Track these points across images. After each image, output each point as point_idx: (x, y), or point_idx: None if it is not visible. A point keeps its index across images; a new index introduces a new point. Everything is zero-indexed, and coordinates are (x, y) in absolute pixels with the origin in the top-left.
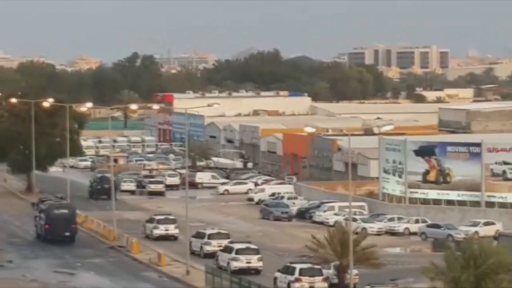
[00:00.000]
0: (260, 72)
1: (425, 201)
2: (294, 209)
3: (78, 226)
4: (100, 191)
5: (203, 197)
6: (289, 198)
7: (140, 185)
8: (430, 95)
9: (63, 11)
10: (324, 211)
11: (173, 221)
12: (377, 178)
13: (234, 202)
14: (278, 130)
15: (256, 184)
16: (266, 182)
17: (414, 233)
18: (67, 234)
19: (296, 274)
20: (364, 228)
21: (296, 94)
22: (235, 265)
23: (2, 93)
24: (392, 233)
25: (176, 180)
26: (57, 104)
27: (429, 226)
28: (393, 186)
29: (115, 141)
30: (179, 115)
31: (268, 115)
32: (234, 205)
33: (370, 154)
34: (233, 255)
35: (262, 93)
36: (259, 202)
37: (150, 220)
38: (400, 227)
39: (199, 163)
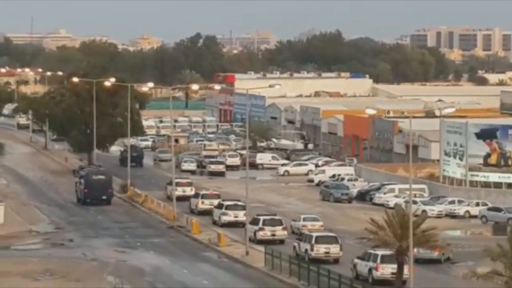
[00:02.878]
0: (322, 53)
1: (486, 184)
2: (354, 191)
3: (113, 191)
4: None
5: (263, 178)
6: (349, 180)
7: (200, 165)
8: (492, 77)
9: None
10: (385, 193)
11: (242, 208)
12: (438, 160)
13: (294, 183)
14: (339, 112)
15: (316, 166)
16: (326, 163)
17: (475, 216)
18: (104, 197)
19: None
20: (424, 211)
21: (358, 75)
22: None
23: (64, 73)
24: (452, 216)
25: (236, 161)
26: (118, 84)
27: (490, 209)
28: (454, 169)
29: (176, 121)
30: (240, 95)
31: (329, 97)
32: (294, 186)
33: (431, 137)
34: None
35: (324, 75)
36: (319, 183)
37: (219, 206)
38: (461, 210)
39: (259, 144)
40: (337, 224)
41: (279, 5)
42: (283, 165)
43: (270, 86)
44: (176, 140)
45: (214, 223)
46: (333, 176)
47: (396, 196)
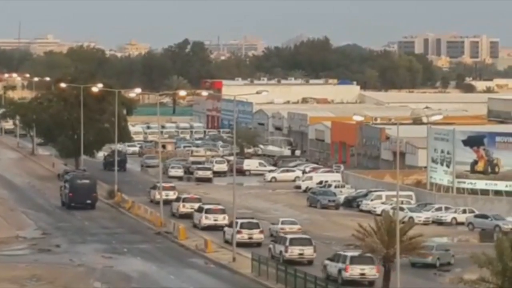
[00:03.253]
0: (310, 60)
1: (473, 191)
2: (341, 198)
3: (97, 195)
4: (113, 163)
5: (251, 184)
6: (336, 187)
7: (188, 171)
8: (480, 85)
9: None
10: (372, 200)
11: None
12: (425, 167)
13: (281, 190)
14: (327, 118)
15: (303, 172)
16: (313, 170)
17: (462, 223)
18: (89, 201)
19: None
20: (411, 218)
21: (345, 82)
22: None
23: (52, 78)
24: (439, 223)
25: (223, 167)
26: (106, 89)
27: (477, 216)
28: (441, 176)
29: (163, 127)
30: (227, 101)
31: (317, 103)
32: (282, 193)
33: (419, 144)
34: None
35: (311, 81)
36: (307, 190)
37: (199, 210)
38: (448, 217)
39: (247, 150)
40: (324, 231)
41: (267, 11)
42: (270, 171)
43: (258, 92)
44: (164, 146)
45: (195, 226)
46: (320, 182)
47: (383, 203)
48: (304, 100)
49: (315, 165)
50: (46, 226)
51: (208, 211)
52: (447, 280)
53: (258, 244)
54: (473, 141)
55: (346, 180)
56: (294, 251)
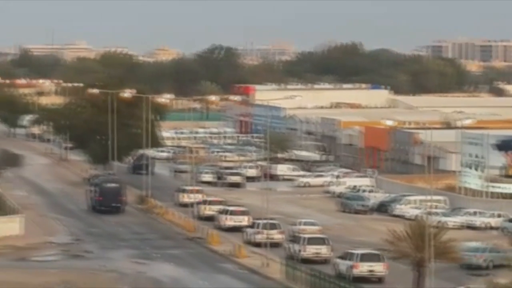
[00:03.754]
0: (341, 65)
1: (505, 196)
2: (373, 202)
3: (126, 199)
4: (139, 167)
5: (282, 189)
6: (368, 191)
7: (219, 176)
8: (511, 89)
9: (144, 3)
10: (404, 205)
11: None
12: (457, 172)
13: (313, 195)
14: (358, 123)
15: (336, 177)
16: (345, 175)
17: (494, 228)
18: (117, 205)
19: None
20: (443, 222)
21: (376, 86)
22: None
23: (83, 84)
24: (472, 227)
25: (255, 172)
26: (137, 95)
27: (509, 220)
28: (473, 180)
29: (195, 132)
30: (259, 107)
31: (349, 108)
32: (313, 198)
33: (450, 148)
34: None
35: (343, 86)
36: (339, 195)
37: (223, 211)
38: (480, 221)
39: (278, 155)
40: (356, 236)
41: (298, 16)
42: (302, 176)
43: (289, 97)
44: (195, 152)
45: (219, 228)
46: (353, 187)
47: (415, 208)
48: (336, 105)
49: (347, 170)
50: (77, 232)
51: (231, 213)
52: (480, 284)
53: (277, 244)
54: (505, 145)
55: (378, 185)
56: (310, 250)
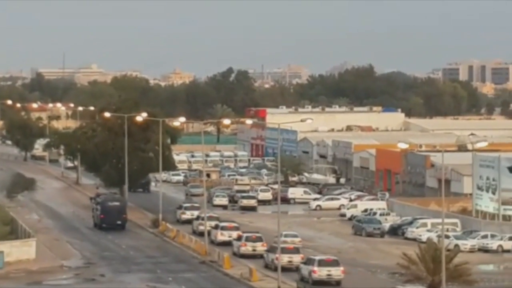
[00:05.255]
0: (354, 88)
1: None
2: (386, 225)
3: (128, 217)
4: (137, 185)
5: (295, 212)
6: (381, 214)
7: (232, 199)
8: None
9: (157, 27)
10: (417, 228)
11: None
12: (470, 194)
13: (326, 218)
14: (371, 146)
15: (349, 200)
16: (358, 197)
17: (508, 251)
18: (119, 222)
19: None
20: (456, 245)
21: (390, 109)
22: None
23: (96, 107)
24: (485, 250)
25: (268, 195)
26: (150, 118)
27: None
28: (487, 203)
29: (207, 155)
30: (272, 130)
31: (361, 131)
32: (327, 221)
33: (464, 171)
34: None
35: (356, 109)
36: (352, 218)
37: (215, 227)
38: (494, 244)
39: (291, 178)
40: (369, 259)
41: (310, 39)
42: (315, 199)
43: (302, 120)
44: (208, 175)
45: (212, 242)
46: (365, 210)
47: (428, 231)
48: (349, 128)
49: (360, 193)
50: (90, 256)
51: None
52: None
53: (261, 256)
54: None
55: (391, 208)
56: (284, 259)
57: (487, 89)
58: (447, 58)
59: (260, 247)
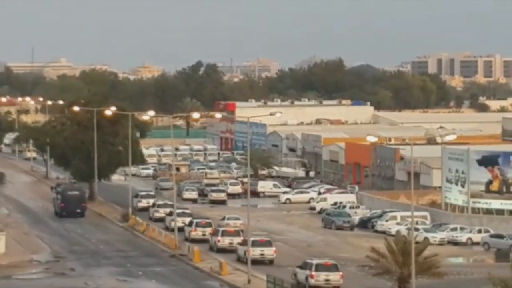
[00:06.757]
0: (323, 81)
1: (488, 211)
2: (356, 219)
3: (86, 205)
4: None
5: (265, 206)
6: (351, 208)
7: (202, 193)
8: (494, 104)
9: (125, 21)
10: (386, 221)
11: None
12: (439, 187)
13: (296, 211)
14: (341, 139)
15: (318, 193)
16: (328, 191)
17: (477, 243)
18: (79, 210)
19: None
20: (426, 238)
21: (359, 103)
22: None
23: (65, 101)
24: (454, 243)
25: (238, 189)
26: (119, 112)
27: (492, 236)
28: (456, 196)
29: (177, 149)
30: (241, 123)
31: (331, 124)
32: (296, 214)
33: (433, 164)
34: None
35: (325, 102)
36: (321, 211)
37: (170, 214)
38: (463, 237)
39: (261, 172)
40: (339, 252)
41: (280, 33)
42: (284, 193)
43: (271, 114)
44: (178, 169)
45: (166, 228)
46: (335, 203)
47: (398, 224)
48: (318, 121)
49: (330, 186)
50: (60, 250)
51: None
52: None
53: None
54: (487, 161)
55: (360, 201)
56: (225, 242)
57: (456, 82)
58: (416, 52)
59: (209, 231)
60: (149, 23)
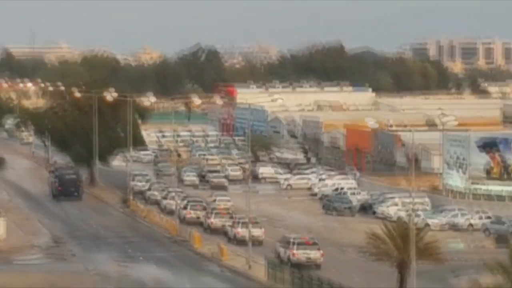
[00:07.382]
0: (324, 66)
1: (489, 196)
2: (356, 204)
3: (83, 187)
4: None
5: (266, 191)
6: (351, 193)
7: (203, 178)
8: (494, 90)
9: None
10: (388, 206)
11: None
12: (440, 173)
13: (296, 197)
14: (341, 124)
15: (319, 179)
16: (328, 176)
17: (477, 229)
18: (76, 194)
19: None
20: (426, 223)
21: (360, 88)
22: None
23: (66, 86)
24: (455, 228)
25: (238, 174)
26: (119, 97)
27: (493, 221)
28: (456, 181)
29: (178, 134)
30: (242, 109)
31: (331, 109)
32: (297, 199)
33: (433, 149)
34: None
35: (325, 87)
36: (322, 196)
37: (165, 196)
38: (463, 222)
39: (261, 157)
40: (340, 237)
41: (279, 15)
42: (285, 178)
43: (272, 100)
44: (179, 154)
45: (162, 210)
46: (336, 189)
47: (398, 209)
48: (319, 106)
49: (330, 172)
50: (61, 235)
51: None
52: (463, 286)
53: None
54: (488, 146)
55: (361, 186)
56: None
57: (457, 67)
58: (415, 34)
59: (203, 214)
60: (148, 4)
